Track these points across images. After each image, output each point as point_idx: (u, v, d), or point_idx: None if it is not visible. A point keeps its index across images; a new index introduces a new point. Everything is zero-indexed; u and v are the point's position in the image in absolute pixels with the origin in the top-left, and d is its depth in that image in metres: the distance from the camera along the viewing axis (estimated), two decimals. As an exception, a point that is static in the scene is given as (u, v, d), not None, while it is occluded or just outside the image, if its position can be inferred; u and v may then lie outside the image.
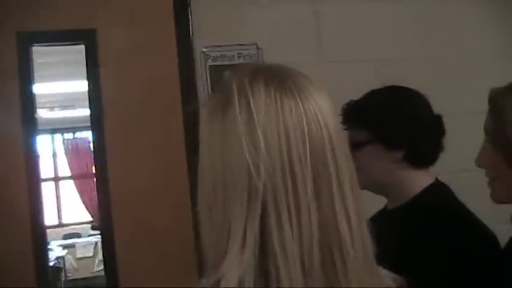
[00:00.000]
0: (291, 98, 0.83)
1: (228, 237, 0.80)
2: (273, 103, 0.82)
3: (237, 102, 0.83)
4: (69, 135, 9.34)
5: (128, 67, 2.72)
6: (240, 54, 2.69)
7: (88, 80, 2.77)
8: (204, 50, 2.68)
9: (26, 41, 2.72)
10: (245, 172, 0.80)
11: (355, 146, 1.59)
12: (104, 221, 2.78)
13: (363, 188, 1.61)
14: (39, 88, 2.76)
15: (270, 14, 2.77)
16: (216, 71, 2.66)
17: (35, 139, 2.77)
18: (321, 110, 0.84)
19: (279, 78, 0.86)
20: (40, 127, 3.08)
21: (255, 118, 0.81)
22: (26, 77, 2.71)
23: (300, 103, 0.83)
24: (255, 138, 0.80)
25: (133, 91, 2.70)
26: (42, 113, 6.09)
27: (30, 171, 2.70)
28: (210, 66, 2.67)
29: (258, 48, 2.70)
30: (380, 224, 1.64)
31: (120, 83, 2.71)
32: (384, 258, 1.44)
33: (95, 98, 2.74)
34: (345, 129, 1.63)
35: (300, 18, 2.81)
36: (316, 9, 2.82)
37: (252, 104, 0.82)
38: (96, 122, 2.74)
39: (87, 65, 2.76)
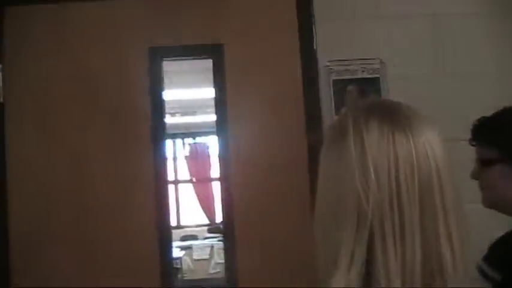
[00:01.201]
0: (402, 133, 0.89)
1: (338, 257, 0.87)
2: (384, 138, 0.88)
3: (352, 136, 0.90)
4: (189, 140, 9.63)
5: (253, 80, 2.81)
6: (363, 69, 2.71)
7: (215, 91, 2.89)
8: (327, 64, 2.72)
9: (158, 55, 2.87)
10: (356, 200, 0.87)
11: (483, 164, 1.57)
12: (226, 226, 2.86)
13: (489, 206, 1.60)
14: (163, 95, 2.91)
15: (393, 28, 2.76)
16: (340, 85, 2.71)
17: (163, 143, 2.91)
18: (430, 144, 0.89)
19: (391, 114, 0.92)
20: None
21: (367, 151, 0.88)
22: (156, 87, 2.87)
23: (410, 138, 0.88)
24: (366, 169, 0.87)
25: (257, 103, 2.78)
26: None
27: (158, 173, 2.82)
28: (333, 80, 2.71)
29: (381, 62, 2.72)
30: (508, 245, 1.62)
31: (245, 95, 2.79)
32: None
33: (221, 109, 2.84)
34: (474, 145, 1.61)
35: (421, 32, 2.78)
36: (437, 23, 2.78)
37: (365, 139, 0.89)
38: (221, 131, 2.85)
39: (214, 78, 2.88)
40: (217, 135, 2.90)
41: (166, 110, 3.01)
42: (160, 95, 2.89)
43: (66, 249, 2.71)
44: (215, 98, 2.88)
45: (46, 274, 2.67)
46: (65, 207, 2.74)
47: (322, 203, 0.95)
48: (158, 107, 2.87)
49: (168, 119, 3.41)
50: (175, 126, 8.57)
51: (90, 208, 2.74)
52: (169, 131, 3.35)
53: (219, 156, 2.91)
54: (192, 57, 3.16)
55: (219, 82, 2.86)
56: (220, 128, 2.85)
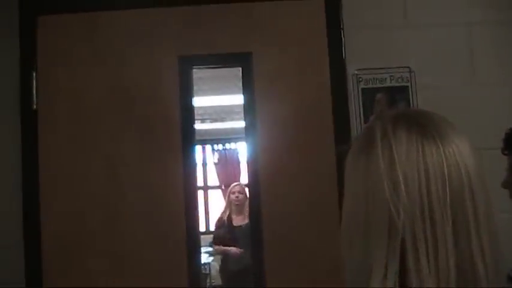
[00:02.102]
0: (432, 143, 0.87)
1: (370, 271, 0.85)
2: (414, 148, 0.87)
3: (380, 147, 0.89)
4: (218, 146, 9.66)
5: (282, 87, 2.81)
6: (392, 77, 2.70)
7: (244, 98, 2.90)
8: (356, 72, 2.72)
9: (187, 64, 2.89)
10: (386, 212, 0.86)
11: None
12: (254, 231, 2.87)
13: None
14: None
15: (422, 37, 2.75)
16: (368, 94, 2.71)
17: (193, 149, 2.93)
18: (461, 154, 0.88)
19: (420, 124, 0.90)
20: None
21: (397, 162, 0.87)
22: (186, 95, 2.89)
23: (440, 148, 0.87)
24: (396, 180, 0.86)
25: (286, 110, 2.78)
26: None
27: (188, 179, 2.84)
28: (362, 89, 2.71)
29: (410, 71, 2.70)
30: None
31: (274, 102, 2.80)
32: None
33: (250, 115, 2.86)
34: (506, 154, 1.60)
35: (452, 40, 2.76)
36: (469, 31, 2.75)
37: (394, 149, 0.88)
38: (250, 137, 2.86)
39: (243, 85, 2.90)
40: (246, 141, 2.91)
41: (196, 117, 3.02)
42: (190, 103, 2.91)
43: (97, 254, 2.75)
44: (244, 105, 2.90)
45: (77, 278, 2.71)
46: (96, 213, 2.78)
47: (350, 215, 0.94)
48: (188, 114, 2.90)
49: (198, 126, 3.43)
50: (205, 132, 8.61)
51: (121, 213, 2.77)
52: (198, 137, 3.37)
53: (247, 162, 2.93)
54: (221, 66, 3.17)
55: (248, 89, 2.87)
56: (249, 134, 2.86)
